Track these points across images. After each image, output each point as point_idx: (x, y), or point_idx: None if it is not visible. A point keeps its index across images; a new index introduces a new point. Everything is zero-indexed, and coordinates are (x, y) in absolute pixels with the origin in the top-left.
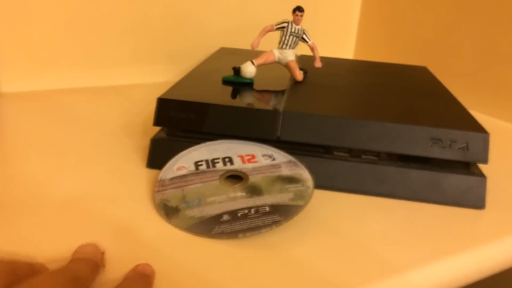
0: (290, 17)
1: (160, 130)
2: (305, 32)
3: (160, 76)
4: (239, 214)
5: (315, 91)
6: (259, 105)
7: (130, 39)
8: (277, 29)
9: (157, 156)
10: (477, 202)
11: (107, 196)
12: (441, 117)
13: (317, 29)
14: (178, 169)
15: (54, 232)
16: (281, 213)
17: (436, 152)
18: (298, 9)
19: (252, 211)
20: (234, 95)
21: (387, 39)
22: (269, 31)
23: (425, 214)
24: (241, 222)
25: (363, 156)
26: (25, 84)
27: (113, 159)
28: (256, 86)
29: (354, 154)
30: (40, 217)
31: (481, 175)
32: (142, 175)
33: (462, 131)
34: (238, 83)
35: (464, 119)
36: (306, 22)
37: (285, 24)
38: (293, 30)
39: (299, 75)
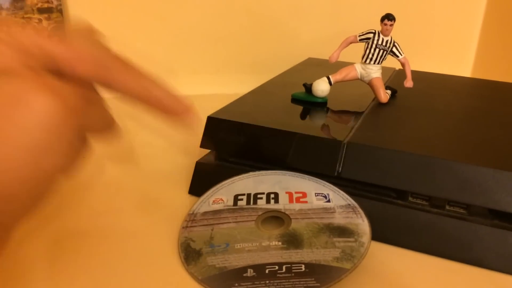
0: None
1: (210, 153)
2: (395, 44)
3: (243, 86)
4: (267, 271)
5: (400, 117)
6: (320, 132)
7: (212, 46)
8: (361, 40)
9: (201, 182)
10: None
11: (133, 224)
12: None
13: (431, 42)
14: (215, 201)
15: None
16: (318, 276)
17: None
18: (388, 18)
19: (284, 268)
20: (297, 117)
21: (509, 56)
22: (351, 42)
23: None
24: (267, 282)
25: (447, 208)
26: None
27: (155, 179)
28: (329, 107)
29: (436, 203)
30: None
31: None
32: (181, 203)
33: None
34: (308, 102)
35: None
36: (419, 34)
37: (371, 35)
38: (380, 42)
39: (384, 96)
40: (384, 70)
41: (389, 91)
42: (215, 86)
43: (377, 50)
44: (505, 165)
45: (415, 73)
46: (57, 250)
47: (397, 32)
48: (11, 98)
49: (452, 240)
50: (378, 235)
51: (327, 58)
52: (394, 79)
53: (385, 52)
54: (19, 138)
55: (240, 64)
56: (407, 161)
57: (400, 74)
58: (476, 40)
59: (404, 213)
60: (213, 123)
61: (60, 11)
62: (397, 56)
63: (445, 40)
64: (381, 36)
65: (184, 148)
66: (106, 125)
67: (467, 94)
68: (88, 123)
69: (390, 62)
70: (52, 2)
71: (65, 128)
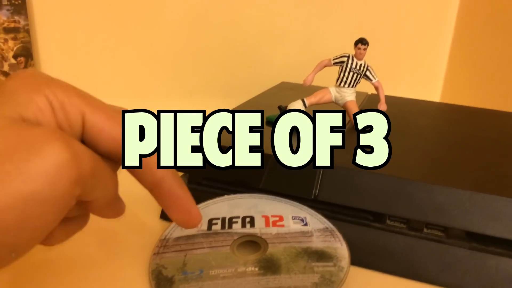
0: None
1: (183, 176)
2: (369, 68)
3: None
4: None
5: None
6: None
7: (185, 70)
8: (335, 64)
9: None
10: None
11: (101, 251)
12: None
13: (400, 67)
14: None
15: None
16: None
17: None
18: (361, 42)
19: None
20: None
21: (480, 80)
22: (326, 65)
23: None
24: None
25: (425, 231)
26: None
27: (128, 204)
28: None
29: (413, 226)
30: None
31: None
32: (152, 228)
33: None
34: None
35: None
36: (389, 60)
37: (345, 59)
38: (353, 66)
39: None
40: (358, 94)
41: None
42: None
43: (351, 73)
44: (481, 188)
45: (387, 98)
46: (20, 282)
47: (368, 58)
48: (26, 142)
49: (431, 263)
50: (356, 259)
51: (300, 82)
52: (366, 104)
53: (359, 75)
54: (19, 181)
55: (214, 88)
56: (384, 183)
57: (372, 99)
58: (445, 66)
59: (382, 236)
60: None
61: (27, 31)
62: (371, 80)
63: (414, 67)
64: (355, 60)
65: None
66: (111, 204)
67: (438, 118)
68: (94, 194)
69: (363, 87)
70: (19, 22)
71: (69, 187)
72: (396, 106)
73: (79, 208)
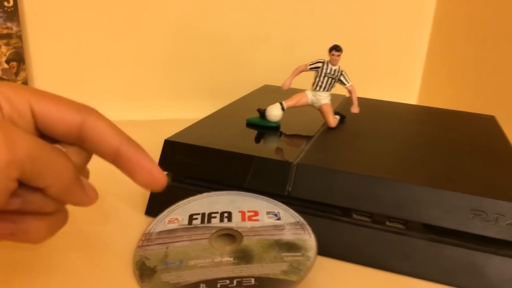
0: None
1: (167, 175)
2: (343, 73)
3: (202, 112)
4: (218, 285)
5: (347, 140)
6: (272, 154)
7: (172, 73)
8: (311, 69)
9: (157, 203)
10: None
11: (89, 244)
12: (492, 182)
13: (378, 70)
14: (170, 221)
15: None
16: None
17: (477, 227)
18: (335, 48)
19: (235, 282)
20: (251, 140)
21: (456, 83)
22: (302, 71)
23: None
24: None
25: (388, 224)
26: None
27: (115, 201)
28: (282, 131)
29: (377, 220)
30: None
31: None
32: (137, 223)
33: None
34: (262, 127)
35: None
36: (368, 64)
37: (320, 64)
38: (328, 71)
39: (332, 121)
40: (335, 97)
41: (338, 117)
42: (175, 111)
43: (325, 78)
44: (438, 184)
45: (364, 100)
46: (6, 276)
47: (347, 62)
48: None
49: (392, 253)
50: (325, 251)
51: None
52: (343, 106)
53: (333, 80)
54: None
55: (200, 90)
56: (351, 180)
57: (349, 101)
58: (421, 70)
59: (349, 229)
60: (169, 146)
61: (19, 37)
62: (344, 84)
63: (392, 71)
64: (329, 65)
65: None
66: (70, 191)
67: (410, 119)
68: (43, 179)
69: (341, 90)
70: (12, 29)
71: (3, 168)
72: (371, 108)
73: (54, 202)
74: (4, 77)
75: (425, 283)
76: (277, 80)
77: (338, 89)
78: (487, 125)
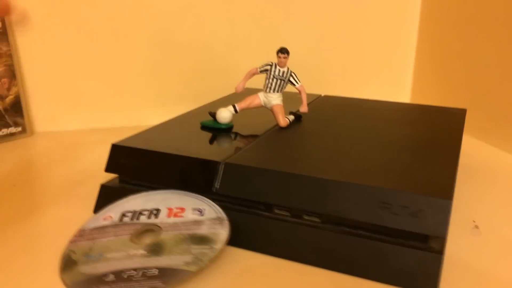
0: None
1: (117, 177)
2: (292, 74)
3: None
4: (125, 276)
5: (288, 139)
6: (203, 154)
7: (155, 80)
8: (261, 71)
9: (105, 202)
10: (427, 285)
11: (30, 237)
12: (406, 176)
13: (369, 70)
14: (105, 219)
15: None
16: (166, 279)
17: (383, 219)
18: (281, 51)
19: (140, 273)
20: (195, 142)
21: (444, 80)
22: (254, 74)
23: None
24: (122, 285)
25: (305, 218)
26: (56, 125)
27: (73, 201)
28: (234, 131)
29: (295, 214)
30: None
31: (438, 251)
32: (83, 220)
33: (416, 194)
34: (215, 129)
35: (434, 180)
36: (359, 63)
37: (268, 67)
38: (277, 73)
39: (283, 121)
40: (310, 95)
41: (291, 117)
42: (160, 117)
43: (275, 80)
44: (350, 177)
45: (338, 99)
46: None
47: (336, 62)
48: None
49: (305, 246)
50: (246, 244)
51: (261, 87)
52: (316, 104)
53: (282, 81)
54: None
55: (182, 96)
56: (272, 178)
57: (325, 100)
58: (412, 67)
59: (269, 223)
60: (116, 150)
61: (9, 55)
62: (294, 85)
63: (382, 70)
64: (277, 67)
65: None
66: None
67: (371, 116)
68: None
69: (319, 89)
70: (2, 49)
71: None
72: (340, 107)
73: None
74: None
75: (334, 274)
76: (258, 83)
77: (317, 88)
78: (452, 119)
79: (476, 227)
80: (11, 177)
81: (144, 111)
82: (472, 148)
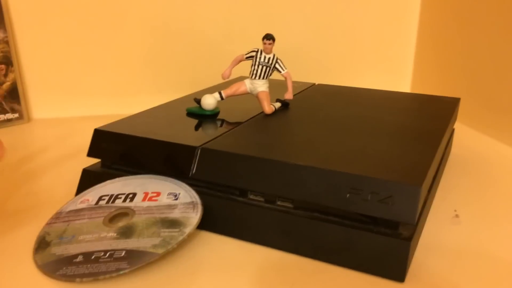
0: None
1: (99, 161)
2: (278, 61)
3: None
4: (93, 257)
5: (270, 126)
6: (182, 139)
7: (154, 70)
8: (247, 58)
9: (86, 187)
10: (395, 272)
11: (10, 219)
12: (379, 162)
13: (369, 59)
14: (82, 202)
15: None
16: (131, 260)
17: (352, 205)
18: (266, 37)
19: (108, 254)
20: (176, 128)
21: (444, 70)
22: (240, 61)
23: (327, 278)
24: (89, 266)
25: (278, 203)
26: (53, 112)
27: (60, 185)
28: (219, 118)
29: (268, 199)
30: None
31: (407, 238)
32: (62, 204)
33: (386, 180)
34: (200, 115)
35: (408, 166)
36: (362, 53)
37: (254, 54)
38: (262, 60)
39: (268, 108)
40: (302, 84)
41: (278, 104)
42: (156, 105)
43: (260, 66)
44: (323, 163)
45: (331, 87)
46: None
47: (336, 51)
48: None
49: (274, 230)
50: (219, 228)
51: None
52: (307, 92)
53: (268, 68)
54: None
55: (180, 84)
56: (246, 163)
57: (319, 88)
58: (412, 56)
59: (244, 208)
60: (98, 134)
61: (6, 42)
62: (280, 71)
63: (382, 59)
64: (263, 54)
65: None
66: None
67: (361, 104)
68: None
69: (318, 78)
70: None
71: None
72: (331, 95)
73: None
74: None
75: (305, 260)
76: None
77: (316, 77)
78: (443, 107)
79: (457, 216)
80: (5, 163)
81: (141, 98)
82: (467, 138)
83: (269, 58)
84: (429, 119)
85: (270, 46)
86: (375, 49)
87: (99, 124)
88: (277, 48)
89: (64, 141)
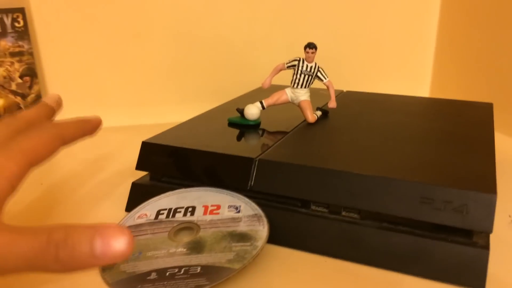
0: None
1: (147, 174)
2: (320, 69)
3: None
4: (167, 274)
5: (318, 135)
6: (236, 151)
7: (178, 80)
8: (288, 67)
9: (136, 200)
10: (473, 281)
11: None
12: (446, 170)
13: (388, 64)
14: (139, 217)
15: None
16: (210, 276)
17: (425, 214)
18: (309, 46)
19: (182, 271)
20: (224, 139)
21: (464, 74)
22: (281, 70)
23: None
24: (165, 283)
25: (343, 214)
26: None
27: (102, 200)
28: (262, 128)
29: (333, 210)
30: None
31: (484, 246)
32: (117, 219)
33: (459, 189)
34: (242, 125)
35: (476, 174)
36: (378, 58)
37: (296, 62)
38: (304, 69)
39: (311, 117)
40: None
41: (319, 112)
42: (181, 115)
43: (302, 75)
44: (390, 173)
45: (360, 95)
46: None
47: (356, 57)
48: None
49: (344, 242)
50: (283, 241)
51: (283, 83)
52: (343, 100)
53: (310, 77)
54: None
55: (203, 93)
56: (308, 173)
57: (348, 96)
58: (431, 62)
59: (307, 220)
60: (146, 147)
61: (31, 53)
62: (322, 80)
63: (401, 64)
64: (305, 62)
65: (132, 172)
66: None
67: (397, 111)
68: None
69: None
70: (23, 46)
71: None
72: (363, 102)
73: None
74: (19, 90)
75: (374, 271)
76: (279, 79)
77: (336, 83)
78: (480, 113)
79: None
80: (38, 176)
81: (164, 108)
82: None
83: (311, 67)
84: (472, 125)
85: (312, 55)
86: (394, 54)
87: (126, 135)
88: (300, 55)
89: (93, 152)
